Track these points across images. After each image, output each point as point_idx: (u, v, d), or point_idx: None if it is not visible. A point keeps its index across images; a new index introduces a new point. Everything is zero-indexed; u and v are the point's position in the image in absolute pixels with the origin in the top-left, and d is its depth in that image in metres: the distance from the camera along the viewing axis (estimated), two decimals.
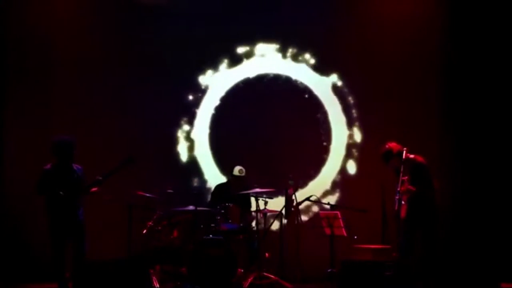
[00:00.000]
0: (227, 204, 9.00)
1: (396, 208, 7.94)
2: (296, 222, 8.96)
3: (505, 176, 9.71)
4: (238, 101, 10.30)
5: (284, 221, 9.32)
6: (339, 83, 10.27)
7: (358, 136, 10.24)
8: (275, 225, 9.43)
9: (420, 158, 8.13)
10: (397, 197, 7.96)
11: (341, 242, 8.69)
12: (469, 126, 9.85)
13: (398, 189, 8.00)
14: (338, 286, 7.89)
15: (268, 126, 10.16)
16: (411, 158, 8.11)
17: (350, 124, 10.25)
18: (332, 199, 10.07)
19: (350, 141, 10.25)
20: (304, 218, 9.68)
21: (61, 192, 7.73)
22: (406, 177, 8.03)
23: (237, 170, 9.32)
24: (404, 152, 8.08)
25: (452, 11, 9.93)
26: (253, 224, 9.13)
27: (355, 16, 10.12)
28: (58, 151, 7.87)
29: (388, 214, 8.91)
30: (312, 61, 10.29)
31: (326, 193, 10.16)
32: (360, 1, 10.21)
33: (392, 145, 8.23)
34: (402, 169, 8.00)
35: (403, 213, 8.09)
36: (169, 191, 9.05)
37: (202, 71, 10.34)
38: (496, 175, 9.71)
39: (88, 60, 10.13)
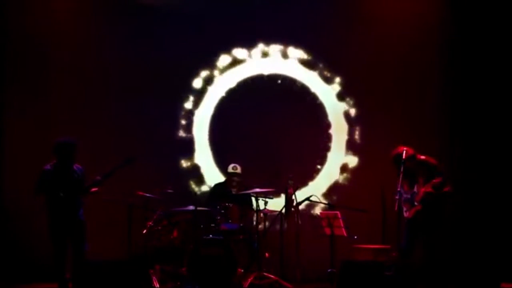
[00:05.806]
0: (227, 204, 9.00)
1: (396, 209, 7.93)
2: (296, 222, 8.95)
3: (505, 177, 9.72)
4: (238, 101, 10.29)
5: (284, 221, 9.31)
6: (340, 84, 10.26)
7: (359, 136, 10.23)
8: (275, 225, 9.43)
9: (433, 160, 8.11)
10: (397, 197, 7.96)
11: (341, 242, 8.69)
12: (471, 126, 9.86)
13: (398, 189, 7.99)
14: (338, 286, 7.88)
15: (268, 126, 10.14)
16: (423, 160, 8.10)
17: (351, 124, 10.25)
18: (332, 199, 10.07)
19: (351, 141, 10.24)
20: (304, 218, 9.66)
21: (61, 193, 7.73)
22: (421, 180, 8.02)
23: (230, 167, 9.41)
24: (404, 152, 8.07)
25: (454, 13, 9.93)
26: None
27: (356, 18, 10.10)
28: (59, 152, 7.87)
29: (388, 214, 8.91)
30: (312, 61, 10.29)
31: (326, 193, 10.16)
32: (361, 2, 10.20)
33: (408, 149, 8.14)
34: (402, 169, 7.99)
35: (410, 214, 8.09)
36: (169, 191, 9.05)
37: (202, 71, 10.33)
38: (497, 175, 9.72)
39: (87, 60, 10.12)
